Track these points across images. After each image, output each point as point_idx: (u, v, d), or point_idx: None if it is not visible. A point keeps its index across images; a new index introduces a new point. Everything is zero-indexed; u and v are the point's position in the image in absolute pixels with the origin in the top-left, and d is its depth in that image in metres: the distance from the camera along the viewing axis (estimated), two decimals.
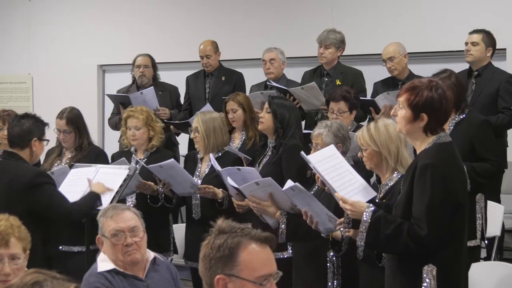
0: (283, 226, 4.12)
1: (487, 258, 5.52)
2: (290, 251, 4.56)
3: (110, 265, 3.29)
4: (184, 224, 5.41)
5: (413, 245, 3.12)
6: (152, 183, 5.03)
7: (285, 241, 4.23)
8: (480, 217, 4.83)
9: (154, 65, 7.10)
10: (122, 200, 5.05)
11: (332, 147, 3.76)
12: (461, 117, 4.78)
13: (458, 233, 3.21)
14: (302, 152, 3.73)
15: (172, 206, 5.18)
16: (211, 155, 4.95)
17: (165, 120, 6.69)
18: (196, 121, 5.15)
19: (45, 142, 4.61)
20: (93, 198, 4.52)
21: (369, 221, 3.21)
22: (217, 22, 8.13)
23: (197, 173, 5.14)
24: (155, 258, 3.46)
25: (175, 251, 5.52)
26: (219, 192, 4.90)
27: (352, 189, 3.48)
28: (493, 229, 5.29)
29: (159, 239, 5.11)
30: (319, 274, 4.08)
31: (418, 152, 3.29)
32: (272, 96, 5.13)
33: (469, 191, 4.71)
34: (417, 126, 3.22)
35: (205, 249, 2.26)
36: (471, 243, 4.73)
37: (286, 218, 4.11)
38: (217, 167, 4.63)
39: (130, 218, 3.35)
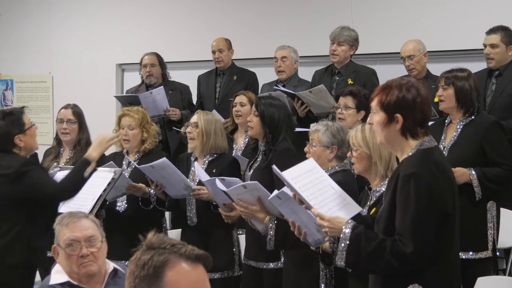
0: (271, 232, 3.93)
1: (505, 270, 5.18)
2: (283, 261, 4.30)
3: (64, 277, 3.06)
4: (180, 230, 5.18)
5: (397, 263, 2.80)
6: (143, 185, 4.79)
7: (273, 249, 3.99)
8: (491, 227, 4.49)
9: (161, 63, 6.91)
10: (113, 203, 4.87)
11: (311, 160, 3.44)
12: (470, 118, 4.49)
13: (447, 246, 2.88)
14: (275, 166, 3.42)
15: (164, 209, 4.95)
16: (196, 163, 4.73)
17: (174, 128, 6.51)
18: (197, 117, 4.88)
19: (32, 129, 4.37)
20: (78, 172, 4.16)
21: (349, 238, 2.90)
22: (233, 19, 7.88)
23: (191, 176, 4.88)
24: (116, 270, 3.21)
25: None
26: None
27: (334, 205, 3.14)
28: (509, 240, 4.94)
29: None
30: (311, 284, 3.85)
31: (400, 160, 2.98)
32: (259, 96, 4.86)
33: (480, 199, 4.45)
34: (393, 129, 2.92)
35: (131, 266, 2.03)
36: (482, 255, 4.45)
37: (275, 224, 3.91)
38: (201, 177, 4.40)
39: (87, 227, 3.11)
